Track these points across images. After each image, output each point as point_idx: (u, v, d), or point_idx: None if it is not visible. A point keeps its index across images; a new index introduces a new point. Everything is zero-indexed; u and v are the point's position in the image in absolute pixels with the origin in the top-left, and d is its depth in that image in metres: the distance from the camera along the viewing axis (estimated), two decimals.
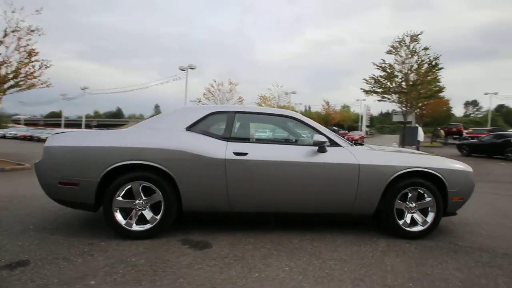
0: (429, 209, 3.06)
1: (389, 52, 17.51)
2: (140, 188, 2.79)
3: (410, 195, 3.03)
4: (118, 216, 2.78)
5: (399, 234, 3.02)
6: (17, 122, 57.90)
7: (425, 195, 3.04)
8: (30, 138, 27.32)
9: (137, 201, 2.81)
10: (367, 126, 46.84)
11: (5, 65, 9.12)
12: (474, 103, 73.37)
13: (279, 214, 3.10)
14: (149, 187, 2.81)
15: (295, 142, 3.30)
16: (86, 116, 45.94)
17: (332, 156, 2.96)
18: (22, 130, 33.91)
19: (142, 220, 2.83)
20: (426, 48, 16.74)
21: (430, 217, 3.05)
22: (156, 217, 2.82)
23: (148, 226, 2.81)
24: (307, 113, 49.58)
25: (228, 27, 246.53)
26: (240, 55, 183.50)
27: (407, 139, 16.54)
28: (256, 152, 2.90)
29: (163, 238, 2.84)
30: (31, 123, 58.73)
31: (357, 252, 2.67)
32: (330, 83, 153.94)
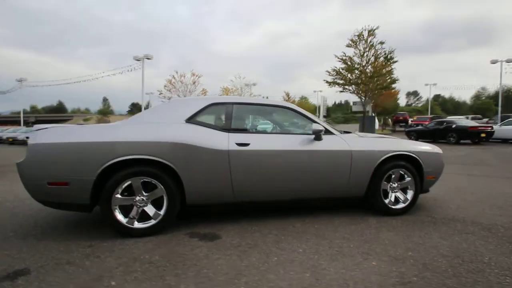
0: (409, 187, 3.43)
1: (349, 46, 18.64)
2: (140, 183, 2.69)
3: (393, 176, 3.36)
4: (118, 215, 2.65)
5: (386, 212, 3.33)
6: None
7: (405, 176, 3.39)
8: None
9: (137, 198, 2.70)
10: (324, 116, 49.16)
11: None
12: (415, 93, 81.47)
13: (282, 202, 3.21)
14: (148, 182, 2.72)
15: (292, 132, 3.42)
16: (23, 112, 40.85)
17: (327, 143, 3.14)
18: None
19: (143, 217, 2.73)
20: (382, 42, 18.18)
21: (410, 195, 3.42)
22: (159, 212, 2.74)
23: (151, 222, 2.72)
24: None
25: (183, 17, 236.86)
26: (196, 47, 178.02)
27: (366, 128, 17.84)
28: (258, 142, 2.96)
29: (167, 233, 2.77)
30: None
31: (355, 230, 2.90)
32: (288, 75, 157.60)
